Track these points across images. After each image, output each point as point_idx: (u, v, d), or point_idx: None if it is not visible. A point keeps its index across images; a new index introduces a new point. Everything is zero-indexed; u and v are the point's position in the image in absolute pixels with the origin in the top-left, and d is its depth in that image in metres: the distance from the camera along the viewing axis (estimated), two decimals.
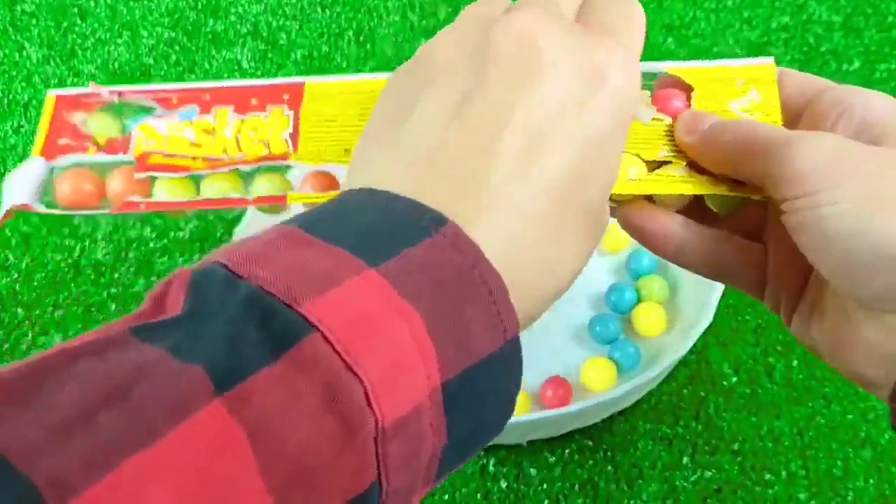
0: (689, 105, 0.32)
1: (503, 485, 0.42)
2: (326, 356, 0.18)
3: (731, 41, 0.65)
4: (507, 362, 0.22)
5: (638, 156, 0.32)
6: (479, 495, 0.42)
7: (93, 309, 0.49)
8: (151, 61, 0.62)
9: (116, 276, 0.51)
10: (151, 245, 0.52)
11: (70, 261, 0.51)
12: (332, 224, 0.21)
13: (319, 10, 0.67)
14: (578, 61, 0.25)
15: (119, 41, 0.64)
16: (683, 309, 0.47)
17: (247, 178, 0.34)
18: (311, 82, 0.34)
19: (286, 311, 0.19)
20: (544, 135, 0.24)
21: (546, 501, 0.42)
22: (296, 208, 0.32)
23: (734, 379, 0.46)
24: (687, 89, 0.33)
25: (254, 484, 0.17)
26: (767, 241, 0.32)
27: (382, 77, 0.33)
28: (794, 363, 0.46)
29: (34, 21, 0.66)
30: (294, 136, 0.33)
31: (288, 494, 0.18)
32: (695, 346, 0.46)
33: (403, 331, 0.19)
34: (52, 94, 0.35)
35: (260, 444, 0.18)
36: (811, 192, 0.27)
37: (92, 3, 0.67)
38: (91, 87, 0.35)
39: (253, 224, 0.47)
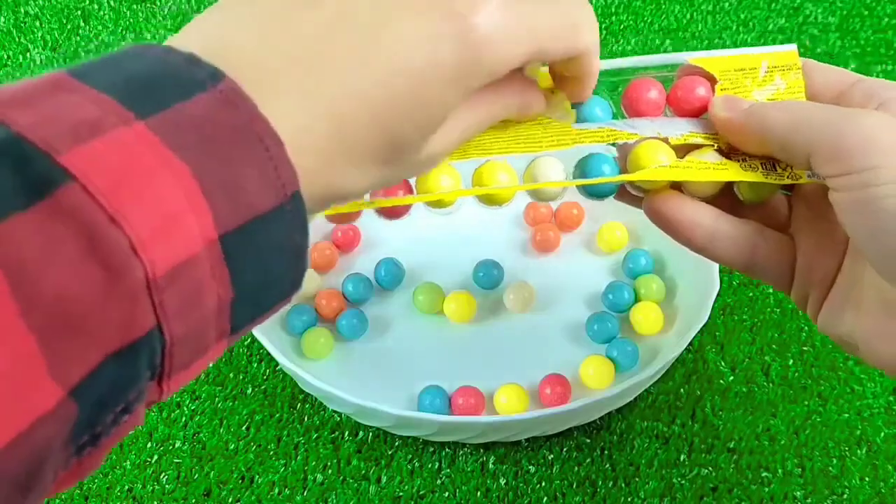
0: (715, 94, 0.32)
1: (502, 482, 0.43)
2: (86, 206, 0.18)
3: (729, 43, 0.65)
4: (289, 218, 0.22)
5: (666, 140, 0.32)
6: (478, 493, 0.42)
7: None
8: None
9: None
10: None
11: None
12: (103, 72, 0.21)
13: None
14: None
15: (123, 43, 0.65)
16: (680, 308, 0.47)
17: None
18: None
19: (43, 159, 0.18)
20: (370, 46, 0.23)
21: (545, 499, 0.42)
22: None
23: (730, 377, 0.46)
24: (711, 80, 0.33)
25: (14, 324, 0.17)
26: (795, 234, 0.32)
27: None
28: (790, 362, 0.47)
29: (38, 23, 0.66)
30: None
31: (51, 338, 0.18)
32: (691, 344, 0.46)
33: (171, 184, 0.19)
34: None
35: (18, 287, 0.17)
36: (867, 168, 0.26)
37: (95, 6, 0.67)
38: None
39: None
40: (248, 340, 0.48)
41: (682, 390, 0.46)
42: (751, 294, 0.50)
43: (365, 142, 0.24)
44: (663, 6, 0.68)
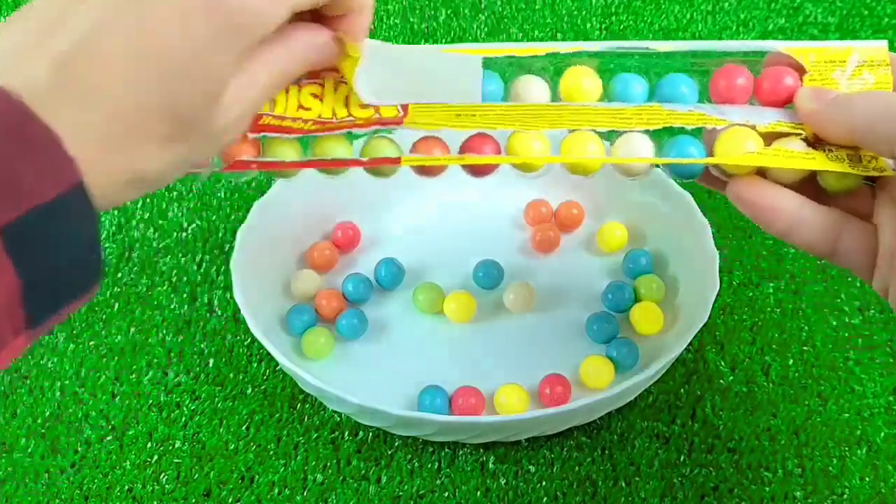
0: (802, 84, 0.33)
1: (502, 482, 0.43)
2: None
3: None
4: (74, 208, 0.23)
5: (754, 128, 0.32)
6: (478, 493, 0.42)
7: (96, 308, 0.49)
8: None
9: (120, 275, 0.51)
10: (154, 245, 0.52)
11: None
12: None
13: None
14: None
15: None
16: (680, 308, 0.47)
17: (356, 141, 0.34)
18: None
19: None
20: (133, 34, 0.25)
21: (545, 499, 0.42)
22: (406, 171, 0.33)
23: (730, 377, 0.46)
24: (799, 70, 0.33)
25: None
26: (878, 223, 0.32)
27: (496, 47, 0.34)
28: (790, 362, 0.47)
29: None
30: (405, 105, 0.33)
31: None
32: (691, 344, 0.46)
33: None
34: None
35: None
36: None
37: None
38: None
39: (256, 225, 0.48)
40: (249, 340, 0.48)
41: (682, 390, 0.46)
42: (751, 294, 0.50)
43: (148, 123, 0.25)
44: (663, 6, 0.68)
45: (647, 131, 0.33)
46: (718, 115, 0.33)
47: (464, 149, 0.34)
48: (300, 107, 0.34)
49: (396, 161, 0.34)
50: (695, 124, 0.33)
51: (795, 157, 0.32)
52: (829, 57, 0.33)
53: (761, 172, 0.33)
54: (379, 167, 0.34)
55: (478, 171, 0.34)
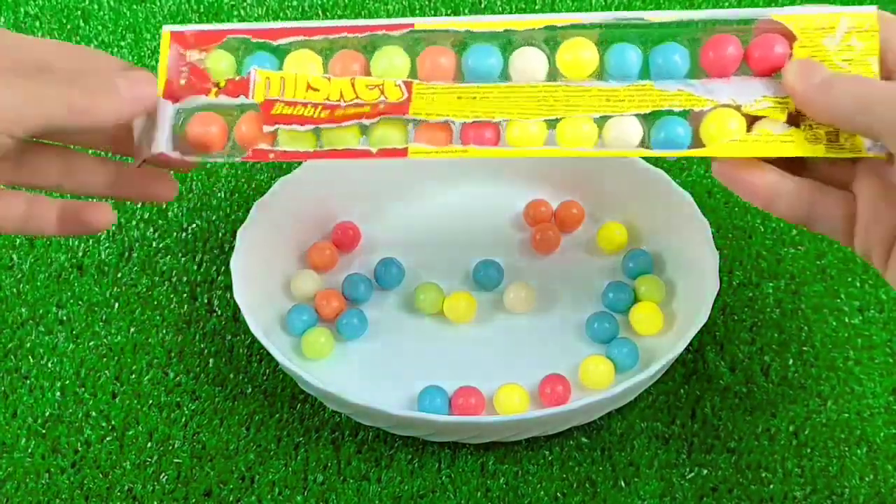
0: (792, 52, 0.34)
1: (502, 482, 0.43)
2: None
3: None
4: None
5: (738, 109, 0.35)
6: (478, 493, 0.43)
7: (96, 308, 0.49)
8: (154, 63, 0.63)
9: (120, 275, 0.51)
10: (154, 245, 0.52)
11: (74, 260, 0.52)
12: None
13: (320, 12, 0.67)
14: None
15: (122, 43, 0.65)
16: (680, 308, 0.47)
17: (366, 129, 0.36)
18: (421, 24, 0.36)
19: None
20: None
21: (545, 499, 0.42)
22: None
23: (730, 378, 0.46)
24: (789, 37, 0.35)
25: None
26: (856, 190, 0.34)
27: (492, 20, 0.36)
28: (790, 362, 0.47)
29: (38, 23, 0.66)
30: (408, 84, 0.36)
31: None
32: (691, 344, 0.46)
33: None
34: (166, 30, 0.37)
35: None
36: None
37: (95, 6, 0.67)
38: (206, 26, 0.37)
39: (256, 225, 0.48)
40: (249, 340, 0.48)
41: (682, 390, 0.46)
42: (751, 294, 0.50)
43: None
44: (663, 6, 0.68)
45: (637, 114, 0.35)
46: (706, 94, 0.35)
47: (464, 132, 0.36)
48: (309, 87, 0.35)
49: (403, 153, 0.35)
50: (683, 106, 0.35)
51: (774, 141, 0.34)
52: (819, 24, 0.34)
53: None
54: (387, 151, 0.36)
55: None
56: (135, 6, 0.67)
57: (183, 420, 0.45)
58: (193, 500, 0.42)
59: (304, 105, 0.35)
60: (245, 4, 0.67)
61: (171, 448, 0.44)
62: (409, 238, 0.52)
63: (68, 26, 0.66)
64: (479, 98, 0.36)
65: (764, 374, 0.47)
